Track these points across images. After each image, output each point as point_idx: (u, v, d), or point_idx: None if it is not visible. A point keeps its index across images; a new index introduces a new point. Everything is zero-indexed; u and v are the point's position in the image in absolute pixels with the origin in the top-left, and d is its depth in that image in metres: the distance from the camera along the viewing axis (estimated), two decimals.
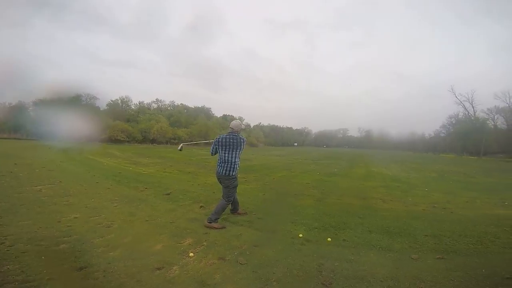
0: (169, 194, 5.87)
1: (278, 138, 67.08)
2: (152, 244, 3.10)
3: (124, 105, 39.48)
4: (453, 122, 45.70)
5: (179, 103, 47.82)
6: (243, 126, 4.34)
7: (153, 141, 32.70)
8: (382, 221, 4.51)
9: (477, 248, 3.34)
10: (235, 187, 4.02)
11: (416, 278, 2.50)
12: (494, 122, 41.03)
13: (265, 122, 72.16)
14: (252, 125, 62.40)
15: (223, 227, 3.77)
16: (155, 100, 46.41)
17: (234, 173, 3.90)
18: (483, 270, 2.69)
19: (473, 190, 8.64)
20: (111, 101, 38.16)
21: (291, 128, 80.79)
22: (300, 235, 3.60)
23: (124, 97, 39.71)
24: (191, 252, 2.89)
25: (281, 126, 75.98)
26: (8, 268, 2.32)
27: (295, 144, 67.44)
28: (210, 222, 3.76)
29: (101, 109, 34.75)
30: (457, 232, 3.93)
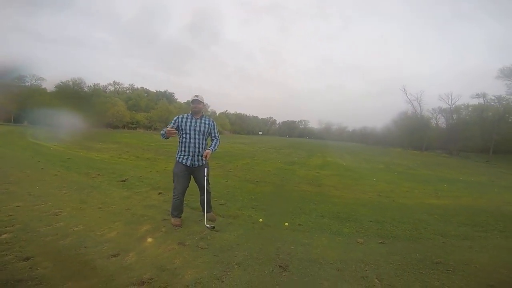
0: (124, 181, 5.61)
1: (244, 126, 67.18)
2: (106, 231, 2.98)
3: (76, 87, 35.69)
4: (402, 118, 50.30)
5: (139, 87, 45.03)
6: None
7: (108, 125, 30.38)
8: (333, 207, 4.88)
9: (413, 234, 3.69)
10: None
11: (361, 261, 2.72)
12: (436, 121, 46.18)
13: (231, 110, 71.53)
14: (218, 113, 61.39)
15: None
16: (111, 83, 43.04)
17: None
18: (417, 255, 2.94)
19: (413, 181, 9.71)
20: (61, 82, 34.19)
21: (257, 117, 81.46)
22: (260, 220, 3.76)
23: (76, 78, 35.89)
24: (149, 238, 2.86)
25: (247, 115, 76.13)
26: None
27: (260, 133, 68.39)
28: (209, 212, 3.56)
29: (48, 91, 31.03)
30: (397, 219, 4.36)
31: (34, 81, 30.03)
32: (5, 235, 2.67)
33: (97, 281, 2.02)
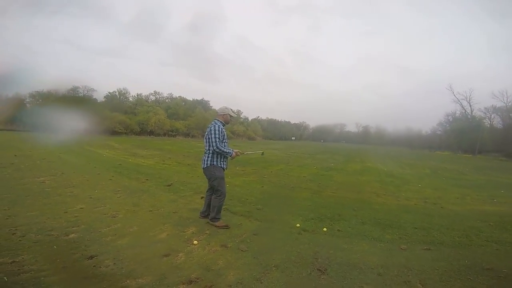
0: (170, 185, 6.04)
1: (276, 132, 67.29)
2: (158, 233, 3.27)
3: (122, 97, 39.24)
4: (450, 120, 45.90)
5: (177, 96, 47.80)
6: (233, 114, 3.89)
7: (150, 133, 32.66)
8: (374, 213, 4.72)
9: (462, 241, 3.51)
10: (216, 179, 3.60)
11: (404, 267, 2.66)
12: (490, 121, 41.33)
13: (263, 116, 72.32)
14: (250, 119, 62.41)
15: (226, 226, 3.58)
16: (153, 92, 46.37)
17: (205, 165, 3.63)
18: (466, 261, 2.84)
19: (464, 187, 8.92)
20: (109, 93, 37.96)
21: (289, 122, 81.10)
22: (298, 225, 3.80)
23: (122, 89, 39.52)
24: (195, 240, 3.07)
25: (279, 120, 76.25)
26: (23, 258, 2.40)
27: (293, 138, 67.73)
28: (212, 220, 3.64)
29: (98, 101, 34.51)
30: (445, 226, 4.13)
31: (86, 92, 33.46)
32: (72, 235, 3.01)
33: (152, 279, 2.22)
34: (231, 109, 3.84)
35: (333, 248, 3.08)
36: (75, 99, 30.00)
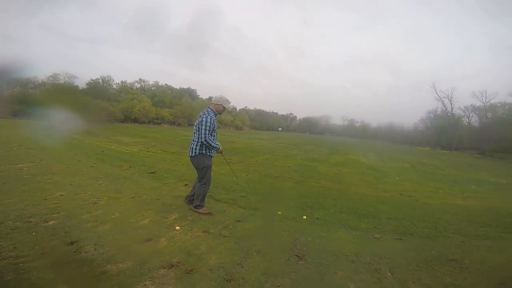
0: (153, 172, 5.99)
1: (264, 122, 67.36)
2: (139, 219, 3.28)
3: (105, 84, 37.79)
4: (431, 117, 47.56)
5: (163, 84, 46.64)
6: (228, 105, 3.83)
7: (135, 120, 31.87)
8: (353, 203, 4.92)
9: (431, 232, 3.72)
10: (203, 168, 3.60)
11: (376, 255, 2.81)
12: (468, 120, 43.18)
13: (251, 106, 72.04)
14: (238, 109, 62.06)
15: (209, 213, 3.62)
16: (138, 80, 44.90)
17: (193, 153, 3.59)
18: (433, 252, 3.02)
19: (439, 181, 9.40)
20: (92, 80, 36.34)
21: (276, 113, 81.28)
22: (279, 213, 3.92)
23: (105, 76, 38.00)
24: (177, 226, 3.11)
25: (267, 111, 76.23)
26: (1, 245, 2.36)
27: (280, 129, 68.13)
28: (195, 207, 3.67)
29: (80, 88, 33.19)
30: (417, 217, 4.37)
31: (67, 78, 32.01)
32: (52, 222, 2.96)
33: (132, 264, 2.26)
34: (227, 99, 3.76)
35: (311, 235, 3.22)
36: (55, 86, 28.66)
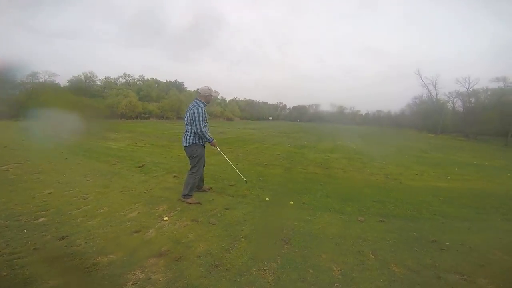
0: (142, 166, 5.99)
1: (254, 112, 67.11)
2: (128, 212, 3.33)
3: (88, 81, 36.65)
4: (417, 102, 48.89)
5: (149, 78, 45.59)
6: (214, 93, 3.95)
7: (121, 116, 31.22)
8: (339, 188, 5.08)
9: (413, 214, 3.83)
10: (196, 157, 3.79)
11: (359, 237, 2.92)
12: (453, 105, 44.41)
13: (241, 97, 71.48)
14: (228, 100, 61.53)
15: (198, 203, 3.71)
16: (122, 75, 43.68)
17: (187, 143, 3.77)
18: (414, 233, 3.10)
19: (424, 164, 9.61)
20: (73, 77, 35.14)
21: (266, 102, 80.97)
22: (267, 199, 4.04)
23: (87, 72, 36.80)
24: (166, 217, 3.18)
25: (257, 101, 75.86)
26: None
27: (270, 118, 68.11)
28: (184, 197, 3.76)
29: (62, 86, 32.02)
30: (400, 200, 4.49)
31: (47, 77, 30.87)
32: (42, 219, 3.00)
33: (122, 254, 2.33)
34: (212, 89, 3.90)
35: (297, 219, 3.33)
36: (35, 85, 27.55)
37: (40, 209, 3.27)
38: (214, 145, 3.95)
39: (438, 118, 39.76)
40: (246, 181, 4.76)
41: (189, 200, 3.73)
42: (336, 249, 2.66)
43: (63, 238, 2.58)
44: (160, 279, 2.02)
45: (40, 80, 29.19)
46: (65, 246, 2.45)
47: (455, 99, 43.60)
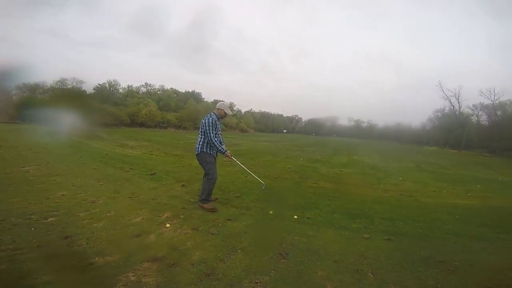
0: (153, 174, 6.15)
1: (269, 124, 67.45)
2: (133, 217, 3.41)
3: (112, 89, 38.67)
4: (439, 115, 46.95)
5: (169, 88, 47.33)
6: (229, 111, 4.11)
7: (141, 124, 32.39)
8: (348, 203, 4.90)
9: (424, 233, 3.62)
10: (207, 164, 3.93)
11: (361, 255, 2.78)
12: (477, 118, 42.29)
13: (256, 109, 72.37)
14: (243, 111, 62.38)
15: (213, 209, 3.85)
16: (144, 84, 45.75)
17: (197, 152, 3.97)
18: (422, 253, 2.92)
19: (444, 181, 9.17)
20: (99, 85, 37.29)
21: (281, 115, 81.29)
22: (271, 212, 3.98)
23: (112, 80, 38.96)
24: (168, 224, 3.23)
25: (272, 113, 76.34)
26: (1, 239, 2.55)
27: (284, 131, 68.02)
28: (201, 202, 3.94)
29: (87, 93, 34.00)
30: (412, 217, 4.27)
31: (75, 83, 32.87)
32: (51, 219, 3.15)
33: (119, 257, 2.38)
34: (229, 106, 4.08)
35: (299, 234, 3.23)
36: (63, 91, 29.45)
37: (51, 210, 3.43)
38: (228, 156, 4.08)
39: (462, 133, 37.90)
40: (264, 185, 4.89)
41: (205, 206, 3.87)
42: (334, 266, 2.54)
43: (66, 238, 2.69)
44: (151, 282, 2.03)
45: (68, 86, 31.16)
46: (67, 245, 2.55)
47: (479, 112, 41.67)
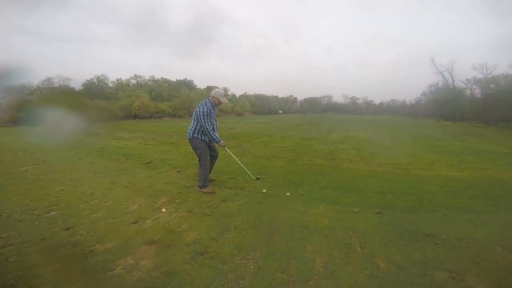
0: (149, 163, 6.23)
1: (264, 106, 66.83)
2: (130, 205, 3.54)
3: (101, 84, 37.82)
4: (433, 90, 47.31)
5: (159, 77, 46.37)
6: (224, 99, 4.14)
7: (135, 116, 32.04)
8: (341, 178, 5.04)
9: (413, 205, 3.67)
10: (198, 149, 4.05)
11: (351, 229, 2.86)
12: (471, 92, 42.57)
13: (251, 92, 71.42)
14: (237, 95, 61.69)
15: (212, 192, 3.98)
16: (133, 76, 44.70)
17: (188, 136, 4.09)
18: (410, 226, 2.96)
19: (438, 152, 9.22)
20: (86, 80, 36.34)
21: (276, 96, 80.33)
22: (264, 191, 4.11)
23: (99, 75, 37.92)
24: (164, 208, 3.35)
25: (267, 95, 75.49)
26: (8, 234, 2.68)
27: (280, 111, 67.52)
28: (200, 188, 4.08)
29: (76, 90, 33.26)
30: (402, 190, 4.33)
31: (62, 81, 32.11)
32: (53, 212, 3.28)
33: (118, 243, 2.52)
34: (224, 94, 4.12)
35: (291, 211, 3.35)
36: (51, 90, 28.80)
37: (52, 204, 3.55)
38: (222, 146, 4.18)
39: (456, 105, 38.18)
40: (257, 178, 4.77)
41: (204, 190, 4.02)
42: (323, 241, 2.63)
43: (68, 229, 2.82)
44: (148, 264, 2.17)
45: (55, 85, 30.45)
46: (69, 236, 2.68)
47: (473, 86, 41.81)
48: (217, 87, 4.25)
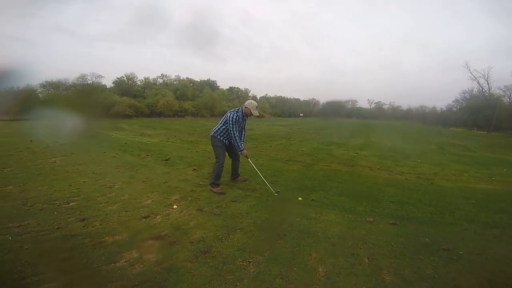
0: (167, 160, 6.42)
1: (285, 109, 66.41)
2: (144, 199, 3.65)
3: (130, 82, 39.82)
4: (467, 97, 44.07)
5: (184, 77, 47.83)
6: (255, 112, 4.20)
7: (160, 114, 33.26)
8: (358, 186, 4.83)
9: (433, 218, 3.44)
10: (215, 148, 4.21)
11: (361, 239, 2.71)
12: (509, 100, 39.23)
13: (271, 94, 71.50)
14: (258, 97, 61.93)
15: (222, 192, 4.00)
16: (160, 75, 46.55)
17: (211, 133, 4.27)
18: (426, 239, 2.78)
19: (466, 163, 8.59)
20: (117, 78, 38.59)
21: (298, 99, 79.50)
22: (275, 194, 4.05)
23: (129, 74, 40.05)
24: (175, 205, 3.43)
25: (288, 97, 74.95)
26: (28, 223, 2.85)
27: (301, 114, 66.70)
28: (210, 186, 4.15)
29: (107, 87, 35.36)
30: (423, 201, 4.06)
31: (94, 78, 34.28)
32: (72, 203, 3.45)
33: (127, 235, 2.61)
34: (256, 107, 4.18)
35: (300, 216, 3.25)
36: (85, 86, 30.77)
37: (73, 195, 3.75)
38: (244, 155, 4.25)
39: (491, 114, 35.22)
40: (277, 192, 4.31)
41: (214, 189, 4.07)
42: (330, 249, 2.51)
43: (83, 220, 2.95)
44: (151, 259, 2.21)
45: (88, 81, 32.50)
46: (83, 226, 2.80)
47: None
48: (253, 99, 4.30)
